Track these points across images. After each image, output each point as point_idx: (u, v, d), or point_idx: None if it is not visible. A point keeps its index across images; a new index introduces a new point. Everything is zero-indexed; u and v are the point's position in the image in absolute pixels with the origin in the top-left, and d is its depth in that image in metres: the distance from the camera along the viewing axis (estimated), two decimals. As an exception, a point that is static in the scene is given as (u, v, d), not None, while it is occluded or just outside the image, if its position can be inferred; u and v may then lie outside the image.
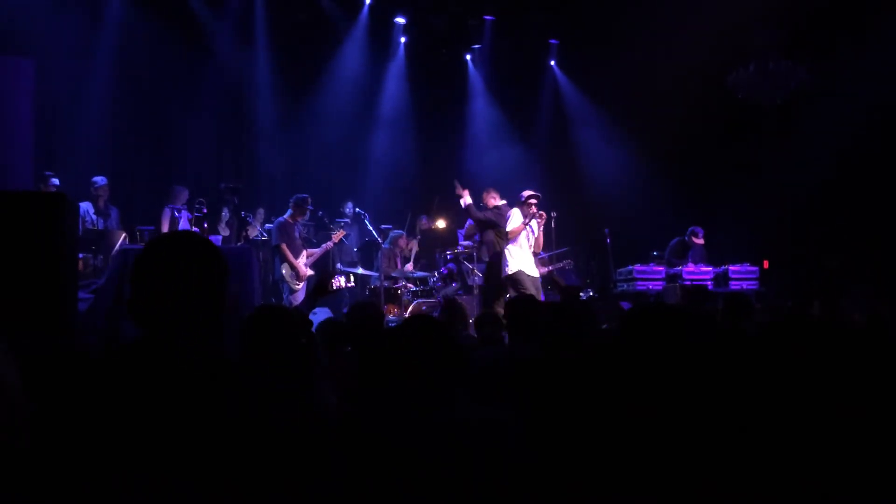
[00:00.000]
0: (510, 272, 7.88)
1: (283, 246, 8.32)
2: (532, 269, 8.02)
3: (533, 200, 8.03)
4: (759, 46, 10.23)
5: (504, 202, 8.51)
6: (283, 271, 8.36)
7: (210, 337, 1.59)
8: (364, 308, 4.12)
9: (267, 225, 9.42)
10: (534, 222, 8.08)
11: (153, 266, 1.59)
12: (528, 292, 7.49)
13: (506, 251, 7.99)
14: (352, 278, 9.30)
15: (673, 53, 10.33)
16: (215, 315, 1.60)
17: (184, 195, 8.97)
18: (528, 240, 8.04)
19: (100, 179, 8.56)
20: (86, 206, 8.25)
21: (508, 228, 7.97)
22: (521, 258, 7.94)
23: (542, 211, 8.10)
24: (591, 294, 10.16)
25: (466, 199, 8.51)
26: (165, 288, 1.56)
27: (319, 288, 4.59)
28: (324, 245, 9.06)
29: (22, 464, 1.39)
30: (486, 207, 8.54)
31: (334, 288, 8.13)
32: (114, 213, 8.66)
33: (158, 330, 1.55)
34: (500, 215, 8.29)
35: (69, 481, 1.39)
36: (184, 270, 1.58)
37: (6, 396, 1.38)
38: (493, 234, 8.41)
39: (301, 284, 8.39)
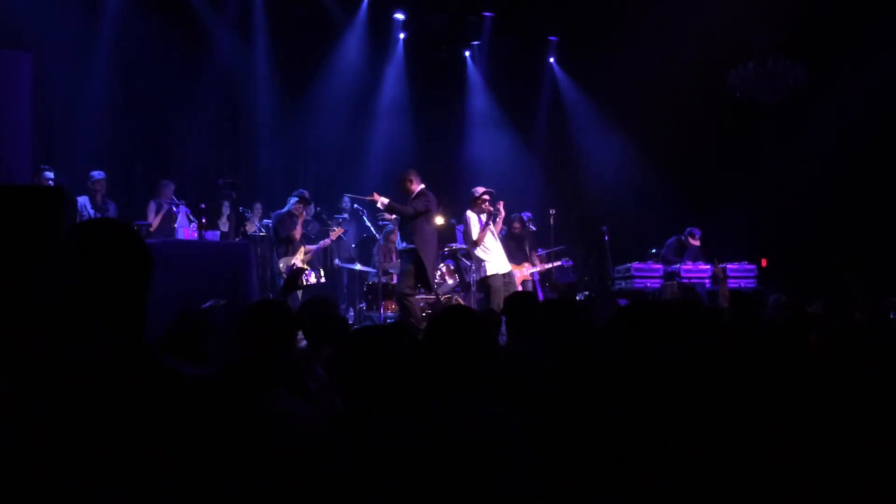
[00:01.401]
0: (486, 274, 7.81)
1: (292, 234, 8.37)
2: (504, 266, 7.95)
3: (486, 197, 7.92)
4: (759, 45, 10.24)
5: (423, 185, 7.88)
6: (280, 266, 8.36)
7: (105, 333, 1.46)
8: (318, 304, 3.81)
9: (265, 220, 9.41)
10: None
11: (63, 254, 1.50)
12: (496, 299, 7.46)
13: (477, 254, 7.87)
14: (322, 274, 9.08)
15: (672, 52, 10.33)
16: (115, 310, 1.48)
17: (168, 189, 8.83)
18: (494, 236, 7.94)
19: (97, 174, 8.52)
20: (83, 201, 8.20)
21: (474, 237, 7.83)
22: (493, 259, 7.86)
23: (496, 206, 7.91)
24: (589, 293, 10.15)
25: (383, 200, 7.84)
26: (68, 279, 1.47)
27: (290, 283, 4.56)
28: (321, 242, 9.05)
29: None
30: (408, 193, 7.83)
31: (304, 283, 8.08)
32: (111, 207, 8.62)
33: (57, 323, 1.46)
34: (428, 200, 7.73)
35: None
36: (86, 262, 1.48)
37: None
38: (422, 220, 7.71)
39: (299, 280, 8.39)
